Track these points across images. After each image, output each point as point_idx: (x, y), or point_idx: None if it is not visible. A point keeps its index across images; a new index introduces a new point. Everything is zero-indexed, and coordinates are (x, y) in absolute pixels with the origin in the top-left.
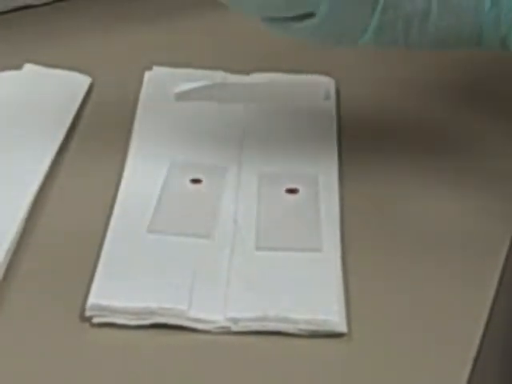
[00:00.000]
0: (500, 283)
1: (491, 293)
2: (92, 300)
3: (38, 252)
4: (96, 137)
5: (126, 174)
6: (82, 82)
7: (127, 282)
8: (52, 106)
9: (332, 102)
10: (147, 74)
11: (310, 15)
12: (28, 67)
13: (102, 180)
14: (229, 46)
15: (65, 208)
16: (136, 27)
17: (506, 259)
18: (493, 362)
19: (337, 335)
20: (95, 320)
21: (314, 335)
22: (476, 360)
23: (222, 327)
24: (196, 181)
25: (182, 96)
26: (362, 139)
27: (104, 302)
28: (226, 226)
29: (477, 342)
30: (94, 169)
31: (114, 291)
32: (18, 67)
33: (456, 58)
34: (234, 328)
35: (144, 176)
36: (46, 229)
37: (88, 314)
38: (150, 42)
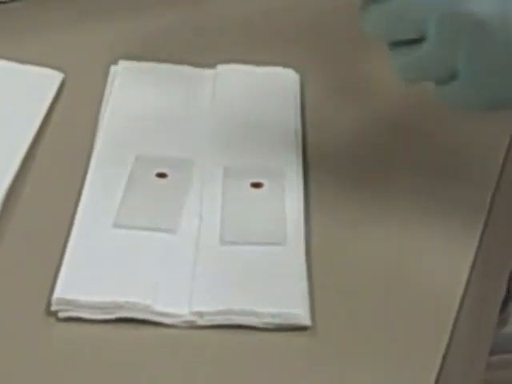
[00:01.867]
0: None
1: (456, 302)
2: (58, 294)
3: (4, 246)
4: (66, 132)
5: (92, 168)
6: (54, 77)
7: (93, 277)
8: (24, 101)
9: (296, 96)
10: (113, 68)
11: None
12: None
13: (68, 175)
14: (195, 39)
15: (32, 202)
16: (107, 22)
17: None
18: (460, 356)
19: (301, 328)
20: (61, 314)
21: (279, 328)
22: (444, 357)
23: (188, 321)
24: (161, 175)
25: (148, 92)
26: (326, 134)
27: (70, 297)
28: (191, 220)
29: (446, 337)
30: (62, 164)
31: (80, 285)
32: None
33: None
34: (200, 322)
35: (109, 170)
36: (12, 223)
37: (54, 308)
38: (120, 36)
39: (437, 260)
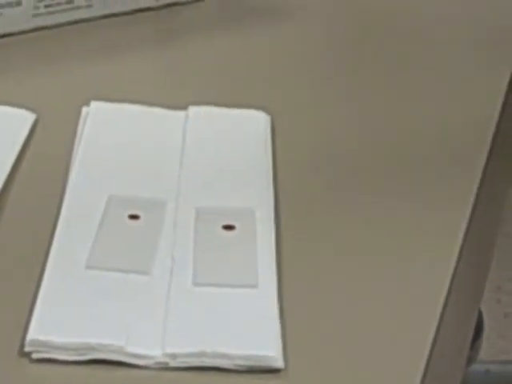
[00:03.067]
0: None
1: (428, 343)
2: (31, 335)
3: None
4: (38, 172)
5: (64, 208)
6: (26, 118)
7: (66, 318)
8: None
9: (268, 138)
10: (85, 109)
11: None
12: None
13: (41, 215)
14: (166, 81)
15: (4, 243)
16: (79, 63)
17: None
18: None
19: (274, 371)
20: (34, 355)
21: (252, 371)
22: None
23: (160, 363)
24: (134, 216)
25: (120, 133)
26: (298, 175)
27: (43, 338)
28: (163, 261)
29: (418, 378)
30: (35, 204)
31: (53, 327)
32: None
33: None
34: (172, 363)
35: (82, 211)
36: None
37: (27, 349)
38: (92, 77)
39: (410, 297)
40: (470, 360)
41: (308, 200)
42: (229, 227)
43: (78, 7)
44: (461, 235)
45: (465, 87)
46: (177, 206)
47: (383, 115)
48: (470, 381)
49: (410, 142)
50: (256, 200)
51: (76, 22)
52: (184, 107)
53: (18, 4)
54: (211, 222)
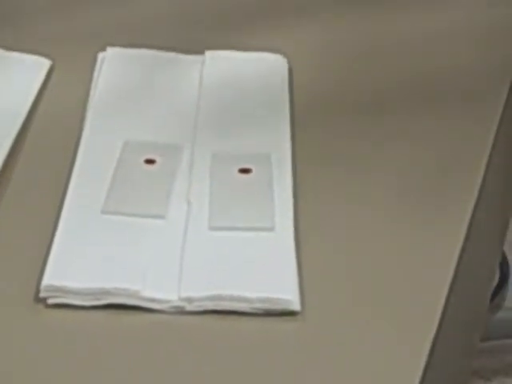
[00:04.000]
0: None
1: (446, 284)
2: (46, 281)
3: None
4: (54, 118)
5: (80, 154)
6: (42, 64)
7: (82, 263)
8: (12, 88)
9: (285, 81)
10: (101, 55)
11: None
12: None
13: (57, 161)
14: (183, 25)
15: (20, 189)
16: (95, 9)
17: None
18: (450, 337)
19: (290, 313)
20: (50, 301)
21: (268, 314)
22: (433, 344)
23: (177, 307)
24: (150, 161)
25: (136, 78)
26: (315, 118)
27: (58, 283)
28: (179, 206)
29: (436, 322)
30: (51, 150)
31: (69, 272)
32: None
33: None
34: (189, 307)
35: (98, 156)
36: (0, 209)
37: (42, 294)
38: (108, 23)
39: (427, 243)
40: (497, 307)
41: (325, 143)
42: (245, 170)
43: None
44: (480, 176)
45: None
46: (193, 150)
47: (402, 53)
48: (496, 328)
49: (433, 79)
50: (273, 143)
51: None
52: (200, 52)
53: None
54: (227, 165)
